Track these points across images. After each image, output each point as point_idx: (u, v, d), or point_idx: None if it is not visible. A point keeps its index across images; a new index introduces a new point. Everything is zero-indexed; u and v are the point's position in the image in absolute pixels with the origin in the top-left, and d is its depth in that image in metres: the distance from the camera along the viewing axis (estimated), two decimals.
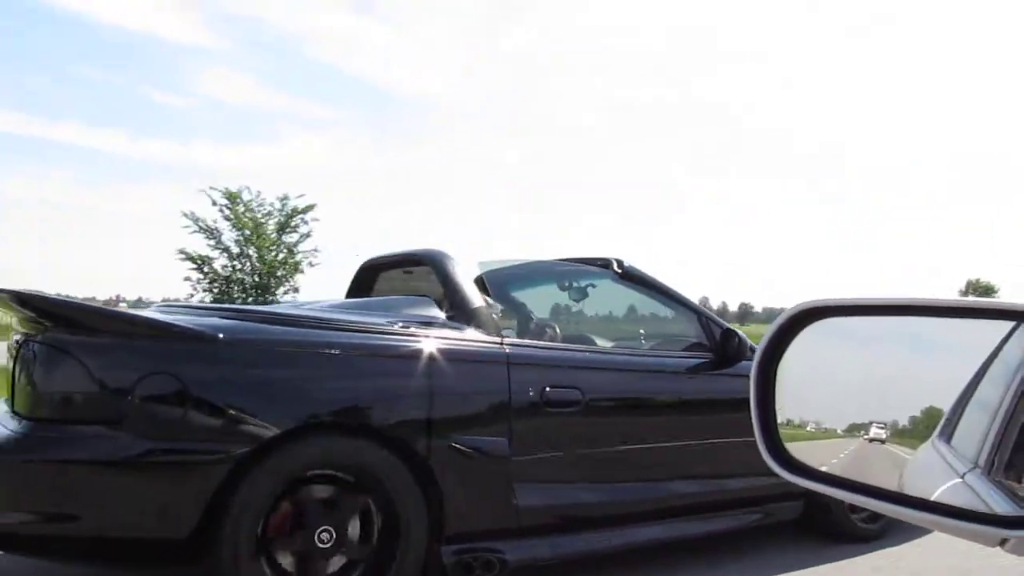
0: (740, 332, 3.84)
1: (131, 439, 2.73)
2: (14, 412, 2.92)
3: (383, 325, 3.18)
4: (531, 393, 3.25)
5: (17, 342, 3.00)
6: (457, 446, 3.10)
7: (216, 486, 2.73)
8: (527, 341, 3.51)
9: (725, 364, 3.79)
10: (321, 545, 2.90)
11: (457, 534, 3.11)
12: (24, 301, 2.90)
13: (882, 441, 1.03)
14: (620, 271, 3.91)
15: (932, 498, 0.94)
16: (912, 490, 1.02)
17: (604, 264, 3.97)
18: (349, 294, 4.50)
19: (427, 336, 3.19)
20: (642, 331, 4.34)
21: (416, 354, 3.11)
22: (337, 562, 2.94)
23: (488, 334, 3.34)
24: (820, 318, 1.04)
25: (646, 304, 4.09)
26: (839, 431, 1.06)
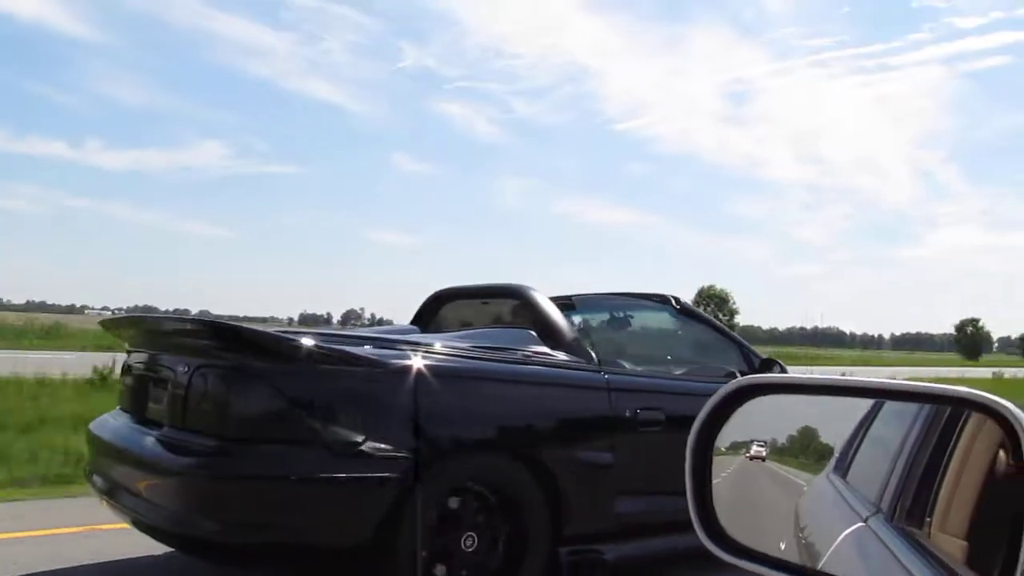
0: (779, 361, 4.45)
1: (320, 456, 3.08)
2: (188, 429, 3.22)
3: (510, 355, 3.62)
4: (628, 415, 3.75)
5: (188, 366, 3.27)
6: (574, 461, 3.56)
7: (392, 498, 3.10)
8: (619, 369, 4.00)
9: None
10: (466, 549, 3.31)
11: (570, 537, 3.56)
12: (219, 329, 3.21)
13: (762, 459, 1.07)
14: (678, 307, 4.46)
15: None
16: (816, 531, 1.08)
17: (663, 300, 4.51)
18: (414, 321, 4.88)
19: (545, 365, 3.65)
20: (669, 357, 4.89)
21: (540, 380, 3.58)
22: (476, 564, 3.35)
23: (587, 362, 3.82)
24: (755, 395, 1.06)
25: (697, 334, 4.64)
26: (723, 448, 1.09)
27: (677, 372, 4.58)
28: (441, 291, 4.90)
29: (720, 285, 51.59)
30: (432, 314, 4.88)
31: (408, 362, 3.31)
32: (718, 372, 4.58)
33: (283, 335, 3.24)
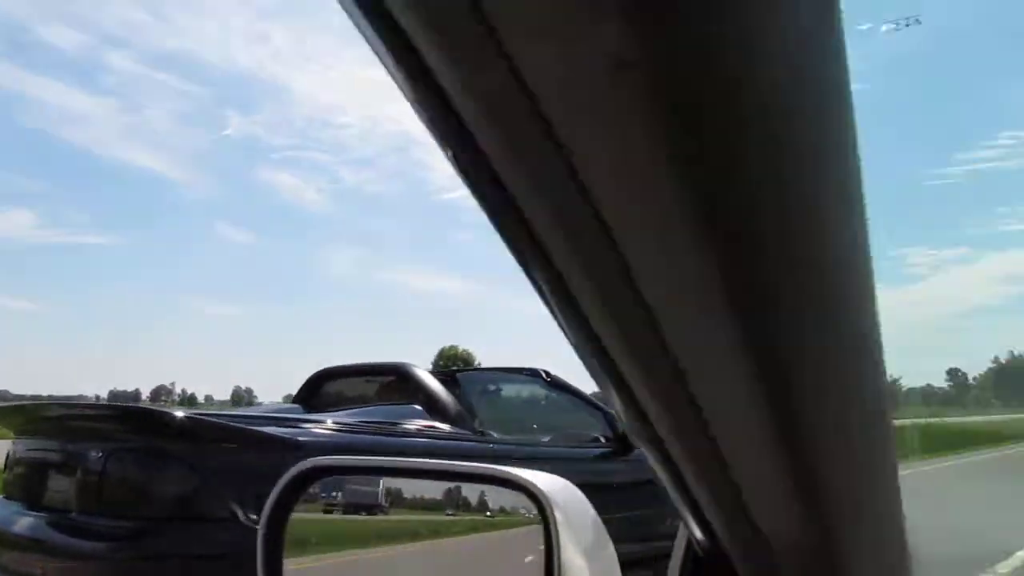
0: None
1: (236, 533, 3.24)
2: (100, 513, 3.29)
3: (402, 430, 3.92)
4: None
5: (100, 451, 3.35)
6: None
7: None
8: (501, 439, 4.36)
9: (624, 453, 4.84)
10: None
11: None
12: (131, 414, 3.34)
13: None
14: (548, 379, 4.90)
15: None
16: None
17: (534, 373, 4.94)
18: (297, 399, 5.05)
19: (435, 438, 3.99)
20: (537, 425, 5.31)
21: (431, 452, 3.89)
22: None
23: (472, 434, 4.18)
24: (325, 477, 1.06)
25: (565, 404, 5.08)
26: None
27: (546, 439, 4.99)
28: (323, 370, 5.12)
29: (463, 347, 53.14)
30: (314, 393, 5.08)
31: (313, 439, 3.55)
32: (585, 438, 5.03)
33: (194, 417, 3.41)
